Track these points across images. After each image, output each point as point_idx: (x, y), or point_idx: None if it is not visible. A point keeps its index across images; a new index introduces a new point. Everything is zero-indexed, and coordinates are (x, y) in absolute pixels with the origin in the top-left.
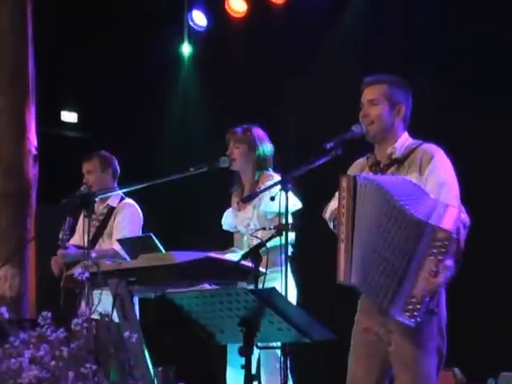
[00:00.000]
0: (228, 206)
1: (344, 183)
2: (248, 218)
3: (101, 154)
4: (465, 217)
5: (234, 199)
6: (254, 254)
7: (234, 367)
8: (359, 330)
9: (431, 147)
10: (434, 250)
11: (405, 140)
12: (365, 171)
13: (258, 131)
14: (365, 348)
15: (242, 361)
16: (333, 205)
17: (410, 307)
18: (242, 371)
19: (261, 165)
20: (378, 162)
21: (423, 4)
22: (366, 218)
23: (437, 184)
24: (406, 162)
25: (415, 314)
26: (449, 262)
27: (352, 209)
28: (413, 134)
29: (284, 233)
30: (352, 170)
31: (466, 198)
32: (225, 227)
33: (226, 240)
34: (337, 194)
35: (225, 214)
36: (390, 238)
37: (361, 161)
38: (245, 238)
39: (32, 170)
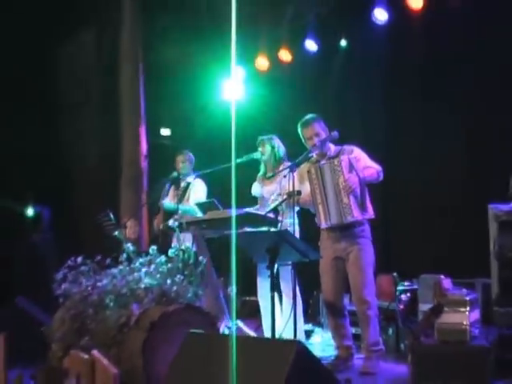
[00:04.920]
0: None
1: (313, 169)
2: (273, 189)
3: (185, 152)
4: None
5: (261, 177)
6: (274, 209)
7: (263, 277)
8: (328, 257)
9: (350, 146)
10: (338, 173)
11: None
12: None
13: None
14: (332, 268)
15: (268, 273)
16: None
17: (347, 210)
18: (269, 279)
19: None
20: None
21: None
22: (326, 185)
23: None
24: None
25: (349, 211)
26: (350, 176)
27: (321, 182)
28: None
29: (292, 197)
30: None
31: None
32: (253, 194)
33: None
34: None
35: (253, 186)
36: (333, 185)
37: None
38: (269, 201)
39: (143, 164)
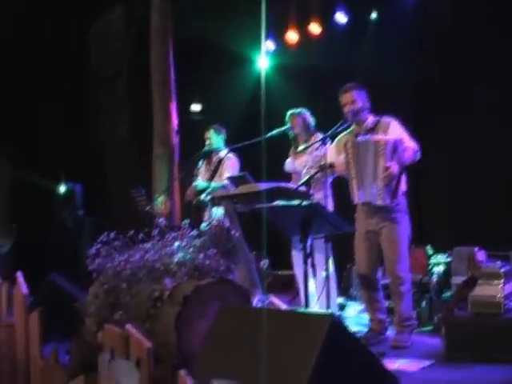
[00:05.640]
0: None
1: (350, 143)
2: (304, 161)
3: (214, 127)
4: (413, 144)
5: (293, 151)
6: (307, 183)
7: (297, 250)
8: (361, 231)
9: (387, 118)
10: (379, 154)
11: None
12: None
13: None
14: (365, 241)
15: (301, 246)
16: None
17: (379, 194)
18: (302, 252)
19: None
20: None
21: None
22: (362, 162)
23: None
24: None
25: (383, 197)
26: (392, 164)
27: (356, 157)
28: None
29: (324, 170)
30: (339, 139)
31: None
32: (287, 170)
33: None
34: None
35: (286, 162)
36: (371, 163)
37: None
38: (300, 175)
39: (175, 139)
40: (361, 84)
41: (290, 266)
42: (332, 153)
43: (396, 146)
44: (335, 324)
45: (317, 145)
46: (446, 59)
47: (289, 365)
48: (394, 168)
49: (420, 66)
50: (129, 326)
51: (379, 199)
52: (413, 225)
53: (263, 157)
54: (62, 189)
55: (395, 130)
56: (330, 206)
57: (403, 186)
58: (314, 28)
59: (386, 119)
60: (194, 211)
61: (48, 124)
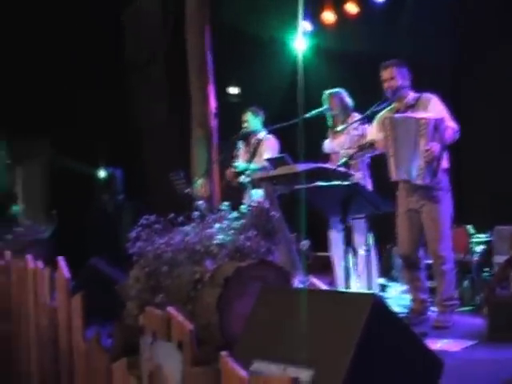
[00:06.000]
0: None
1: (387, 120)
2: (343, 142)
3: (252, 109)
4: (453, 124)
5: (331, 132)
6: (345, 163)
7: (336, 230)
8: (403, 209)
9: (428, 95)
10: (421, 133)
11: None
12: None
13: None
14: (406, 220)
15: (341, 226)
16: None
17: (420, 173)
18: (341, 233)
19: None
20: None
21: None
22: (400, 138)
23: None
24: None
25: (423, 177)
26: (433, 145)
27: (394, 134)
28: None
29: (364, 149)
30: (380, 116)
31: None
32: (325, 151)
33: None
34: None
35: (324, 143)
36: (410, 141)
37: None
38: (339, 155)
39: (213, 122)
40: (402, 61)
41: (329, 248)
42: (373, 130)
43: (437, 125)
44: (378, 304)
45: (355, 125)
46: (484, 36)
47: (331, 345)
48: (436, 148)
49: (460, 44)
50: (170, 309)
51: (419, 179)
52: (454, 203)
53: (301, 138)
54: (102, 174)
55: (436, 107)
56: (369, 186)
57: (444, 164)
58: (351, 7)
59: (426, 95)
60: (234, 193)
61: (87, 110)
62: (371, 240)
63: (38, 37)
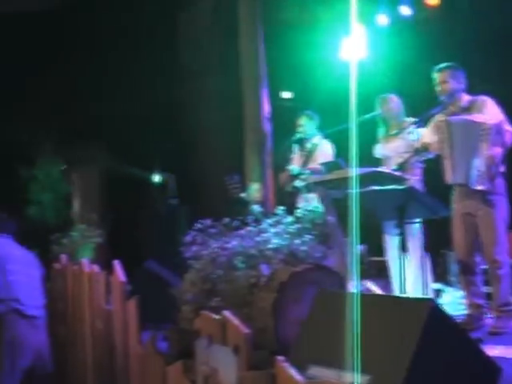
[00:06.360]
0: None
1: (443, 124)
2: (396, 146)
3: (306, 113)
4: (510, 128)
5: (383, 136)
6: (400, 167)
7: (391, 235)
8: (458, 213)
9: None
10: (482, 138)
11: None
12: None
13: None
14: (462, 224)
15: (396, 231)
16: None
17: (479, 178)
18: (397, 237)
19: None
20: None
21: None
22: (458, 141)
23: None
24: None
25: (482, 182)
26: (495, 149)
27: (451, 136)
28: None
29: (419, 153)
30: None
31: None
32: (377, 156)
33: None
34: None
35: (376, 147)
36: (469, 145)
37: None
38: (393, 160)
39: (266, 127)
40: (457, 64)
41: (384, 253)
42: (427, 133)
43: (500, 129)
44: (435, 309)
45: (409, 129)
46: None
47: (387, 351)
48: (497, 151)
49: None
50: (226, 313)
51: (478, 184)
52: (509, 207)
53: (354, 142)
54: (157, 178)
55: (491, 110)
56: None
57: (501, 167)
58: (405, 9)
59: (481, 98)
60: (288, 197)
61: (142, 116)
62: (426, 245)
63: (94, 43)
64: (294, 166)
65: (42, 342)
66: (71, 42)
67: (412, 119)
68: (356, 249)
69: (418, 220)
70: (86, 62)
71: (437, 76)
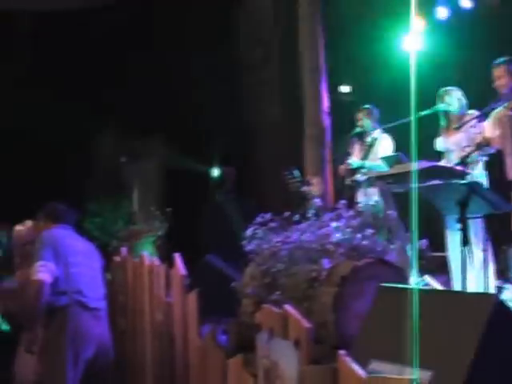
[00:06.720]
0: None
1: (505, 118)
2: (459, 139)
3: (365, 107)
4: None
5: (444, 129)
6: (462, 161)
7: (452, 230)
8: None
9: None
10: None
11: None
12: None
13: None
14: None
15: (457, 226)
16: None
17: None
18: (458, 232)
19: None
20: None
21: None
22: None
23: None
24: None
25: None
26: None
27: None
28: None
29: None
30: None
31: None
32: (438, 149)
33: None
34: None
35: (436, 141)
36: None
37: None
38: (454, 153)
39: (326, 121)
40: None
41: (444, 248)
42: (488, 128)
43: None
44: (499, 305)
45: (472, 122)
46: None
47: (450, 346)
48: None
49: None
50: (287, 307)
51: None
52: None
53: (414, 136)
54: (216, 172)
55: None
56: (486, 184)
57: None
58: (465, 2)
59: None
60: (347, 191)
61: (201, 110)
62: (487, 240)
63: (151, 39)
64: (354, 160)
65: (104, 333)
66: (127, 38)
67: (474, 112)
68: (416, 244)
69: (479, 215)
70: (145, 59)
71: (493, 70)
